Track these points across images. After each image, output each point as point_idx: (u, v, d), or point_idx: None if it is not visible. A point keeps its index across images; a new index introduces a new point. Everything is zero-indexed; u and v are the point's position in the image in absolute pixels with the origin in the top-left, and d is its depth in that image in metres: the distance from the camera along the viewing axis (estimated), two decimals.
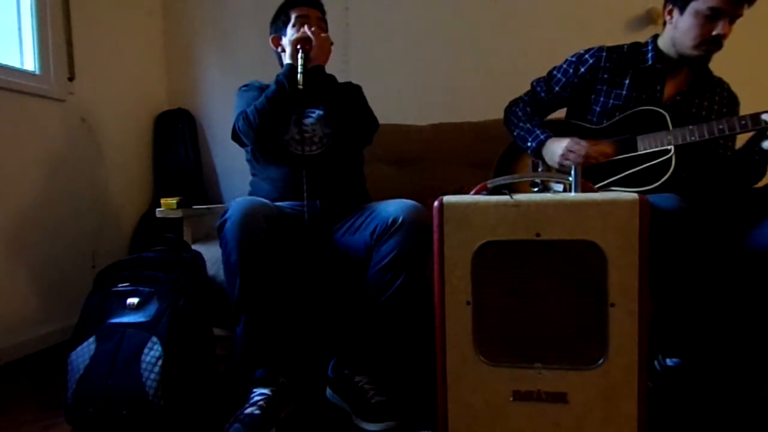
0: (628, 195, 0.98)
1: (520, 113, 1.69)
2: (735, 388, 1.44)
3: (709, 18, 1.44)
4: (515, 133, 1.68)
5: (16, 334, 1.88)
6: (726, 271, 1.42)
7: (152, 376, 1.27)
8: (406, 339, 1.45)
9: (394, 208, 1.37)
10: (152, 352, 1.29)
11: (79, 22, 2.20)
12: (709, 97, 1.57)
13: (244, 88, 1.68)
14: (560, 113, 1.79)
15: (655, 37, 1.60)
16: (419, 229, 1.32)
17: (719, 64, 1.57)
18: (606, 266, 0.98)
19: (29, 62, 2.05)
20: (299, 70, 1.51)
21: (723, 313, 1.43)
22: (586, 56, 1.65)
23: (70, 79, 2.16)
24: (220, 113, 2.72)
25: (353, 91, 1.71)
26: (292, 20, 1.63)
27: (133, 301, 1.37)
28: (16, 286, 1.90)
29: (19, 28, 2.04)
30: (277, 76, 1.55)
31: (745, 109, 1.57)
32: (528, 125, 1.64)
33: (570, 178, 1.07)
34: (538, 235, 1.00)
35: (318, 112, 1.62)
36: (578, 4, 2.34)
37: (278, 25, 1.67)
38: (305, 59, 1.53)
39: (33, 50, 2.05)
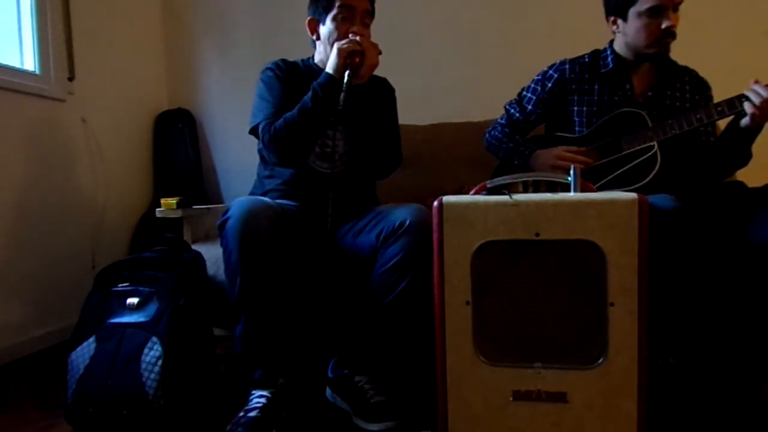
0: (628, 195, 0.98)
1: (500, 135, 1.71)
2: (734, 388, 1.44)
3: (652, 16, 1.47)
4: (500, 155, 1.71)
5: (16, 334, 1.89)
6: (724, 269, 1.43)
7: (152, 376, 1.27)
8: (408, 340, 1.45)
9: (401, 211, 1.36)
10: (152, 352, 1.29)
11: (79, 22, 2.20)
12: (680, 86, 1.60)
13: (269, 74, 1.52)
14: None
15: (612, 41, 1.64)
16: (426, 233, 1.30)
17: (691, 54, 1.61)
18: (605, 266, 0.98)
19: (29, 62, 2.06)
20: (344, 88, 1.34)
21: (722, 311, 1.43)
22: (551, 72, 1.68)
23: (70, 79, 2.17)
24: (220, 113, 2.72)
25: (386, 104, 1.61)
26: (335, 10, 1.44)
27: (133, 301, 1.37)
28: (16, 286, 1.90)
29: (19, 28, 2.04)
30: (314, 86, 1.38)
31: (718, 93, 1.59)
32: (510, 144, 1.67)
33: (568, 179, 1.07)
34: (537, 235, 1.00)
35: (344, 125, 1.52)
36: (578, 3, 2.34)
37: (318, 8, 1.48)
38: (351, 76, 1.36)
39: (33, 50, 2.05)
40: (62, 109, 2.13)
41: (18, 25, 2.04)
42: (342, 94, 1.35)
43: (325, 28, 1.48)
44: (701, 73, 1.64)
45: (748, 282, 1.41)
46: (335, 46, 1.39)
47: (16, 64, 2.01)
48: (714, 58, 1.82)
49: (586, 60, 1.66)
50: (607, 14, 1.59)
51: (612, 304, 0.99)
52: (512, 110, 1.74)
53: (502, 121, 1.76)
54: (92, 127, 2.27)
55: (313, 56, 1.61)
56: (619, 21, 1.56)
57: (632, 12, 1.50)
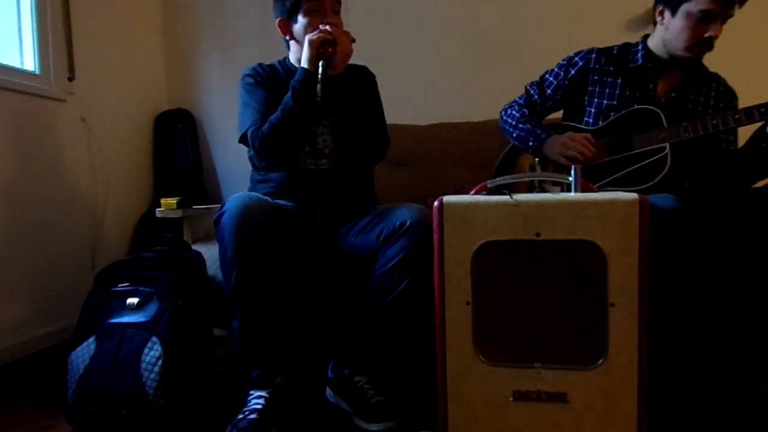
0: (628, 195, 0.98)
1: (517, 115, 1.70)
2: (735, 388, 1.44)
3: (701, 20, 1.44)
4: (514, 135, 1.69)
5: (16, 335, 1.89)
6: (727, 269, 1.42)
7: (152, 376, 1.27)
8: (408, 340, 1.45)
9: (401, 211, 1.36)
10: (152, 352, 1.29)
11: (79, 22, 2.20)
12: (705, 92, 1.57)
13: (249, 80, 1.53)
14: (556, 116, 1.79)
15: (646, 37, 1.61)
16: (426, 233, 1.30)
17: (718, 60, 1.57)
18: (606, 266, 0.98)
19: (29, 62, 2.06)
20: (319, 79, 1.34)
21: (723, 311, 1.43)
22: (576, 59, 1.66)
23: (70, 79, 2.17)
24: (220, 113, 2.72)
25: (368, 91, 1.61)
26: (304, 6, 1.43)
27: (133, 301, 1.37)
28: (16, 286, 1.90)
29: (19, 28, 2.04)
30: (292, 84, 1.39)
31: (744, 103, 1.56)
32: (528, 125, 1.65)
33: (570, 178, 1.07)
34: (537, 235, 1.00)
35: (329, 119, 1.51)
36: (579, 3, 2.34)
37: (285, 6, 1.46)
38: (326, 66, 1.36)
39: (33, 50, 2.05)
40: (62, 109, 2.13)
41: (18, 25, 2.04)
42: (318, 86, 1.34)
43: (298, 25, 1.46)
44: (729, 81, 1.61)
45: (753, 282, 1.40)
46: (306, 38, 1.39)
47: (16, 64, 2.01)
48: (740, 65, 1.78)
49: (615, 52, 1.63)
50: (657, 3, 1.55)
51: (612, 304, 0.99)
52: (532, 91, 1.73)
53: (521, 101, 1.74)
54: (92, 127, 2.27)
55: (288, 57, 1.60)
56: (667, 13, 1.51)
57: (684, 9, 1.46)
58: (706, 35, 1.44)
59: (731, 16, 1.45)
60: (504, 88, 1.84)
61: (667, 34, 1.52)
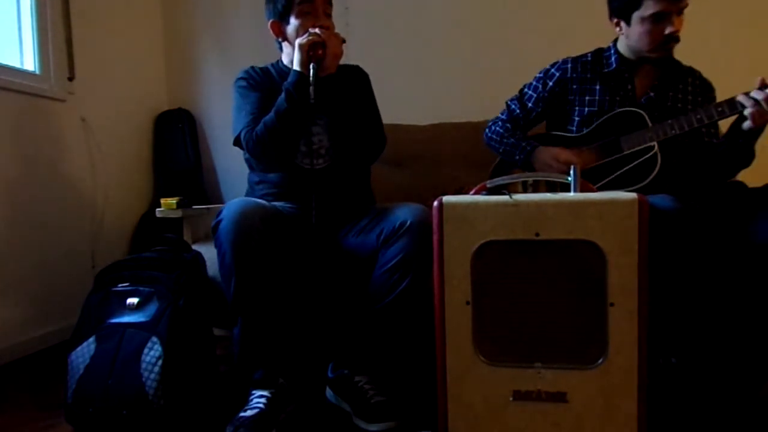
0: (627, 195, 0.98)
1: (501, 131, 1.70)
2: (735, 387, 1.44)
3: (656, 21, 1.45)
4: (501, 150, 1.69)
5: (16, 335, 1.89)
6: (725, 269, 1.43)
7: (152, 376, 1.27)
8: (408, 340, 1.45)
9: (402, 211, 1.36)
10: (152, 352, 1.29)
11: (79, 22, 2.20)
12: (682, 88, 1.58)
13: (241, 83, 1.54)
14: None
15: (616, 40, 1.62)
16: (427, 233, 1.30)
17: (690, 53, 1.59)
18: (605, 266, 0.98)
19: (29, 62, 2.06)
20: (311, 81, 1.36)
21: (723, 311, 1.43)
22: (552, 70, 1.67)
23: (70, 79, 2.17)
24: (220, 113, 2.72)
25: (362, 90, 1.61)
26: (296, 8, 1.45)
27: (133, 301, 1.37)
28: (16, 286, 1.90)
29: (19, 28, 2.04)
30: (286, 86, 1.40)
31: (721, 94, 1.58)
32: (512, 140, 1.65)
33: (569, 179, 1.07)
34: (537, 234, 1.00)
35: (325, 119, 1.52)
36: (579, 3, 2.34)
37: (277, 8, 1.48)
38: (317, 68, 1.37)
39: (33, 50, 2.05)
40: (62, 109, 2.13)
41: (18, 25, 2.04)
42: (311, 88, 1.35)
43: (291, 27, 1.47)
44: (705, 73, 1.62)
45: (749, 281, 1.41)
46: (296, 42, 1.40)
47: (16, 64, 2.01)
48: (717, 57, 1.80)
49: (589, 59, 1.64)
50: (611, 15, 1.58)
51: (612, 304, 0.99)
52: (513, 105, 1.74)
53: (503, 117, 1.75)
54: (92, 127, 2.27)
55: (281, 59, 1.60)
56: (622, 23, 1.54)
57: (636, 16, 1.48)
58: (667, 32, 1.45)
59: (686, 6, 1.46)
60: (504, 89, 1.84)
61: (630, 41, 1.55)
